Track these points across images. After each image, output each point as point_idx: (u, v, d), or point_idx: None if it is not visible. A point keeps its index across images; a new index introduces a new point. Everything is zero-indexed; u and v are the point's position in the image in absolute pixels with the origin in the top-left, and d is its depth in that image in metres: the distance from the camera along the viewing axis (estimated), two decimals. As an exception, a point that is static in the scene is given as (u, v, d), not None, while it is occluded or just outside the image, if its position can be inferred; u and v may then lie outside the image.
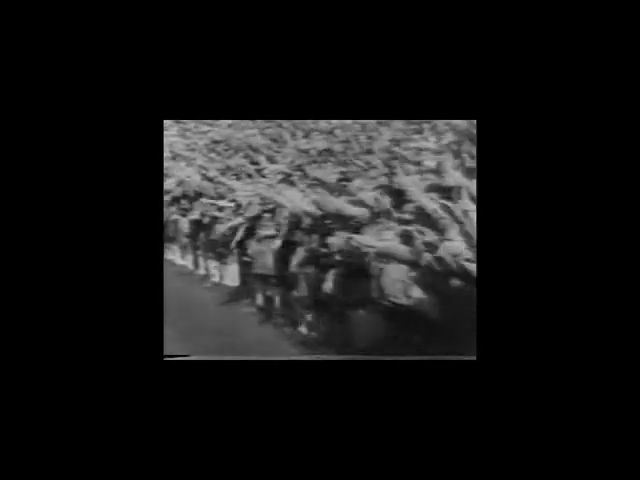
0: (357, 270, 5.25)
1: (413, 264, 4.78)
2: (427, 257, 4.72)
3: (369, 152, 9.36)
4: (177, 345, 4.29)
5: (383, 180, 6.22)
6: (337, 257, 5.48)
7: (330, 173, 7.43)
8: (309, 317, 6.08)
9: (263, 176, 8.36)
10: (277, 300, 6.55)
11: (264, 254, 6.52)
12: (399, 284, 4.76)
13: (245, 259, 7.11)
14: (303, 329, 6.23)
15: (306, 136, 12.52)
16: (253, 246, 6.82)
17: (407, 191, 5.53)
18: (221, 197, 7.97)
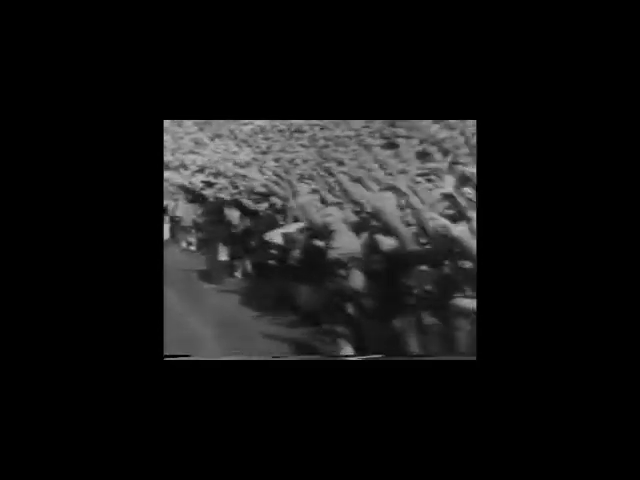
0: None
1: None
2: None
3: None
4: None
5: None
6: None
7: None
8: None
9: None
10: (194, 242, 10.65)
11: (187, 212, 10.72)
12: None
13: (175, 219, 11.06)
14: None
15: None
16: (181, 208, 10.92)
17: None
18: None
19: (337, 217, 5.43)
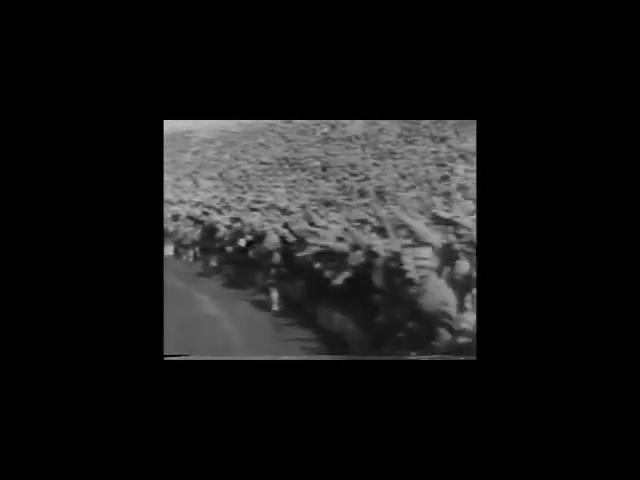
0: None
1: None
2: None
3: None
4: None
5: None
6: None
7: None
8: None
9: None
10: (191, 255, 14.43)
11: (187, 234, 14.41)
12: None
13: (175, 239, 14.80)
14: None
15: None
16: (182, 231, 14.55)
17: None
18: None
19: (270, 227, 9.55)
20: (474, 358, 3.67)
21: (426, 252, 5.19)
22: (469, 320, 4.73)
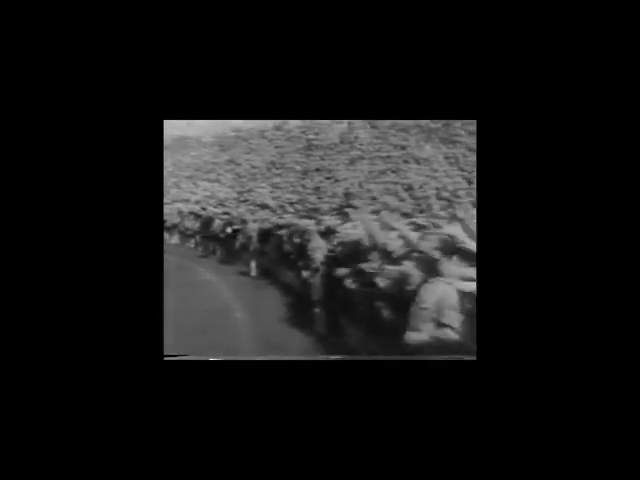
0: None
1: None
2: None
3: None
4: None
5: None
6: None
7: None
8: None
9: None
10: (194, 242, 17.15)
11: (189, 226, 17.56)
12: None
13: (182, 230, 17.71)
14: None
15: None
16: (187, 223, 17.31)
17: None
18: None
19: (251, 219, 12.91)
20: (474, 358, 3.68)
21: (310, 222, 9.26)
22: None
